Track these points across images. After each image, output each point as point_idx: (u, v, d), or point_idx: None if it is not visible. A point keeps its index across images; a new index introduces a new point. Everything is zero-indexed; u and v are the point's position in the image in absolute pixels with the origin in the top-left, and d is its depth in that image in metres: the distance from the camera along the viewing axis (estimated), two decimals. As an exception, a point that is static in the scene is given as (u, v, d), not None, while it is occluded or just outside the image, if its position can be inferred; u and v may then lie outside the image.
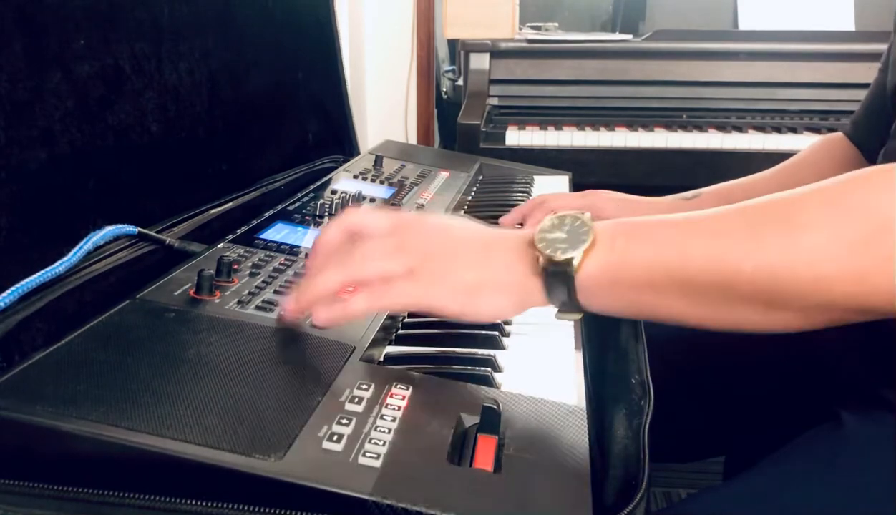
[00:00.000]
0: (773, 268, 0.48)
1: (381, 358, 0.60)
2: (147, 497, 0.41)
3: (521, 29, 1.83)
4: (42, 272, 0.59)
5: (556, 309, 0.55)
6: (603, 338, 0.66)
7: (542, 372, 0.58)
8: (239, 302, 0.61)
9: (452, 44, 2.01)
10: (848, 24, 1.69)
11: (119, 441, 0.42)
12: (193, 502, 0.41)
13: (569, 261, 0.52)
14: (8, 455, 0.44)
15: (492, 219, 0.99)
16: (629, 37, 1.70)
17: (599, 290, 0.53)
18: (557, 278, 0.52)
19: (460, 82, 1.80)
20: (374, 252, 0.56)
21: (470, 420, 0.48)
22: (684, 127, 1.55)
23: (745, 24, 1.72)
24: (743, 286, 0.49)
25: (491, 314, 0.56)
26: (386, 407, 0.48)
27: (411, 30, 1.98)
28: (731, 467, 0.96)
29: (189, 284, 0.63)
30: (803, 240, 0.47)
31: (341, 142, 1.31)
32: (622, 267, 0.52)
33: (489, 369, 0.56)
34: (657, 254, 0.51)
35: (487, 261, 0.55)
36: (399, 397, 0.50)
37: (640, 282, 0.52)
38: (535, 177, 1.24)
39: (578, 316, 0.55)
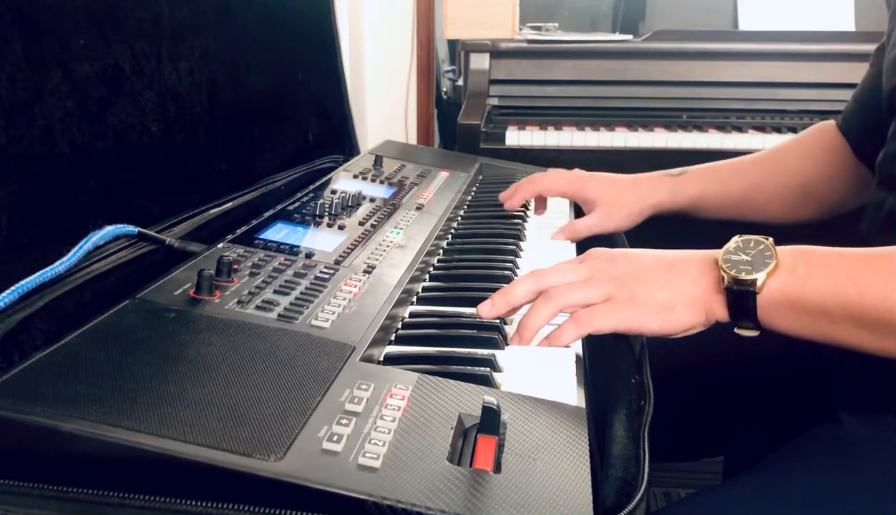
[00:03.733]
0: None
1: (381, 358, 0.60)
2: (147, 497, 0.41)
3: (521, 29, 1.83)
4: (42, 272, 0.59)
5: (736, 324, 0.60)
6: (603, 339, 0.66)
7: (542, 372, 0.58)
8: (239, 302, 0.61)
9: (452, 44, 2.01)
10: (848, 25, 1.69)
11: (119, 441, 0.42)
12: (193, 502, 0.41)
13: (753, 282, 0.57)
14: (8, 455, 0.44)
15: (491, 218, 0.99)
16: (629, 37, 1.70)
17: (778, 311, 0.58)
18: (741, 296, 0.58)
19: (460, 82, 1.80)
20: (572, 285, 0.62)
21: (470, 420, 0.48)
22: (684, 127, 1.55)
23: (745, 25, 1.72)
24: None
25: (685, 327, 0.61)
26: (386, 407, 0.48)
27: (411, 30, 1.98)
28: (731, 467, 0.96)
29: (189, 284, 0.63)
30: None
31: (341, 142, 1.31)
32: (801, 294, 0.57)
33: (489, 369, 0.56)
34: (835, 285, 0.56)
35: (674, 280, 0.61)
36: (399, 397, 0.50)
37: (816, 310, 0.57)
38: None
39: (756, 333, 0.60)
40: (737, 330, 0.61)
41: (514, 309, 0.65)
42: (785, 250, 0.59)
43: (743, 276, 0.58)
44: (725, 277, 0.59)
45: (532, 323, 0.62)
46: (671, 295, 0.60)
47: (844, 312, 0.56)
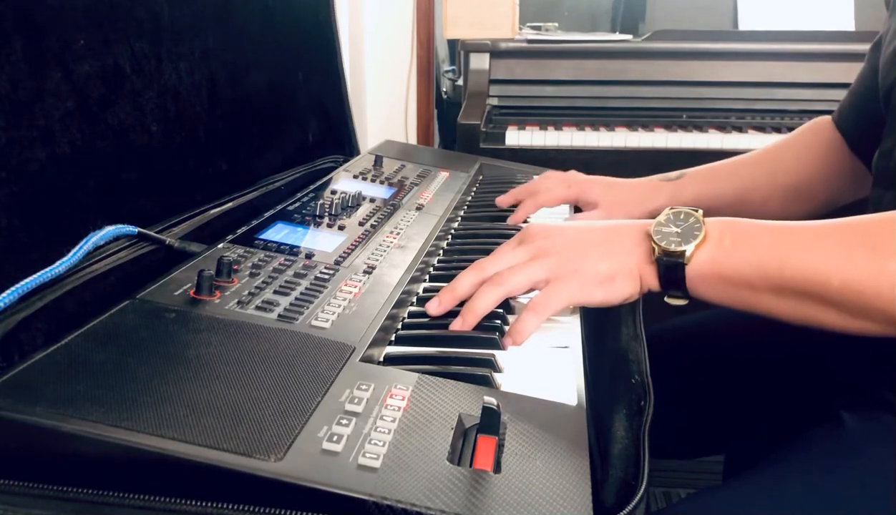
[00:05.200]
0: (859, 285, 0.54)
1: (381, 358, 0.60)
2: (147, 497, 0.41)
3: (521, 29, 1.83)
4: (42, 272, 0.59)
5: (666, 293, 0.63)
6: (603, 338, 0.65)
7: (542, 372, 0.58)
8: (239, 303, 0.61)
9: (452, 44, 2.01)
10: (848, 24, 1.69)
11: (119, 441, 0.42)
12: (193, 502, 0.41)
13: (682, 254, 0.60)
14: (8, 455, 0.44)
15: (491, 219, 0.99)
16: (629, 37, 1.70)
17: (705, 282, 0.60)
18: (671, 267, 0.61)
19: (460, 82, 1.80)
20: (514, 269, 0.64)
21: (470, 420, 0.48)
22: (684, 127, 1.55)
23: (745, 24, 1.72)
24: (831, 295, 0.55)
25: (625, 296, 0.63)
26: (386, 407, 0.48)
27: (411, 30, 1.98)
28: (731, 467, 0.96)
29: (189, 284, 0.63)
30: (889, 265, 0.53)
31: (341, 143, 1.31)
32: (726, 264, 0.60)
33: (489, 369, 0.56)
34: (757, 257, 0.58)
35: (612, 251, 0.63)
36: (399, 397, 0.50)
37: (740, 280, 0.59)
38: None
39: (685, 301, 0.62)
40: (666, 299, 0.63)
41: (461, 303, 0.66)
42: (713, 222, 0.62)
43: (672, 248, 0.60)
44: (656, 249, 0.61)
45: (477, 306, 0.63)
46: (611, 266, 0.63)
47: (766, 283, 0.58)
